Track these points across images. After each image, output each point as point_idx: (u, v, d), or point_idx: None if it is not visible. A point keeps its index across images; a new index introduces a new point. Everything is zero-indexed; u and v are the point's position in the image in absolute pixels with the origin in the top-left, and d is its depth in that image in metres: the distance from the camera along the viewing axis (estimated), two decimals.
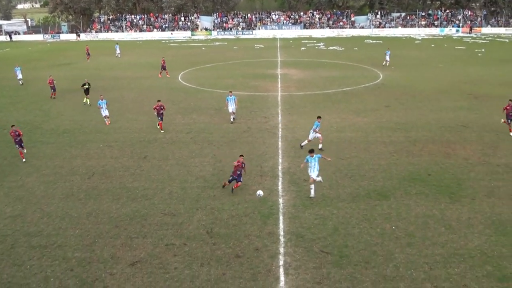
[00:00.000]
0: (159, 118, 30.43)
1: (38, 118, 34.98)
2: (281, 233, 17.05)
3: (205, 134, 29.82)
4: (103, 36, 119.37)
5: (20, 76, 50.05)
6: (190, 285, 14.00)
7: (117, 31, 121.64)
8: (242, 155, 20.71)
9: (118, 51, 75.54)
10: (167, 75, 53.24)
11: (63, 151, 27.00)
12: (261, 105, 37.98)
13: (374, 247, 15.95)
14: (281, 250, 15.89)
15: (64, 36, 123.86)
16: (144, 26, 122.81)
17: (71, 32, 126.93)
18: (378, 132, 29.41)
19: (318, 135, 25.77)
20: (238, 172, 20.27)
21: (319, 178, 20.18)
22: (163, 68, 53.64)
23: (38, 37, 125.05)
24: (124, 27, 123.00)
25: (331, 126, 30.91)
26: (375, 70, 55.32)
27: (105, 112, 32.40)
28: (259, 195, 19.43)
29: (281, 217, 18.15)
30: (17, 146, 25.44)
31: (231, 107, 32.08)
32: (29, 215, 18.85)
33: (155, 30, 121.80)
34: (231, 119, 32.32)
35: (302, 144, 26.24)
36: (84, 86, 39.26)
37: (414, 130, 29.75)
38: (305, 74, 54.02)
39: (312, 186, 19.87)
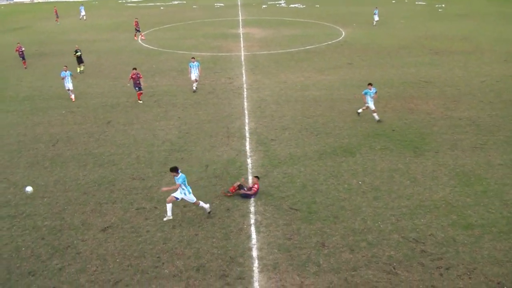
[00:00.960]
0: (136, 88, 28.28)
1: None
2: None
3: (169, 96, 29.44)
4: None
5: None
6: (164, 247, 14.10)
7: None
8: (257, 177, 17.68)
9: (83, 13, 72.55)
10: (135, 38, 51.98)
11: (24, 118, 26.30)
12: (224, 65, 37.63)
13: (342, 202, 16.32)
14: (252, 209, 16.10)
15: None
16: None
17: None
18: (342, 90, 29.68)
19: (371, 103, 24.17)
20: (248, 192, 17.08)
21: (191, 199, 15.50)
22: (137, 29, 52.28)
23: None
24: None
25: (296, 85, 31.01)
26: (337, 28, 55.32)
27: (68, 85, 29.09)
28: (26, 191, 16.66)
29: (250, 177, 18.29)
30: None
31: (194, 74, 30.09)
32: None
33: None
34: (194, 88, 30.46)
35: (359, 111, 24.96)
36: (77, 54, 37.32)
37: (377, 86, 29.89)
38: (267, 33, 53.60)
39: (169, 205, 15.65)
